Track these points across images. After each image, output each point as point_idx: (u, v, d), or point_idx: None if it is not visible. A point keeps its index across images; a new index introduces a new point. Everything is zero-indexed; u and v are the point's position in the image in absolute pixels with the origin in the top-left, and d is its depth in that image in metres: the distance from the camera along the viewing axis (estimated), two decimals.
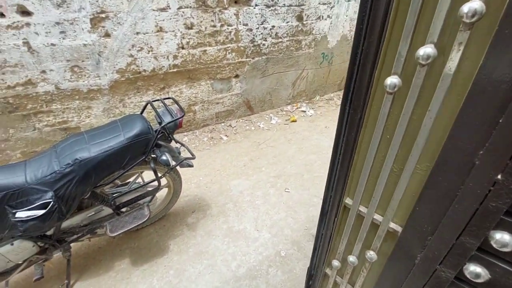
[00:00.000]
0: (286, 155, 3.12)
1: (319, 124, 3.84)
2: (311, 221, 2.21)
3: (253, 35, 3.31)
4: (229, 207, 2.36)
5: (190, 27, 2.85)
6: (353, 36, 3.75)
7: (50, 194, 1.39)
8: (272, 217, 2.25)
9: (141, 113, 1.79)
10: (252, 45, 3.35)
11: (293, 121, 3.85)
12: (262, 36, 3.39)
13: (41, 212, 1.39)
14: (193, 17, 2.82)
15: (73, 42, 2.37)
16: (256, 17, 3.22)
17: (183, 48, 2.90)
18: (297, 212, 2.30)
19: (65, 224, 1.66)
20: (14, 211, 1.38)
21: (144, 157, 1.62)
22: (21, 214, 1.38)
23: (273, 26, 3.41)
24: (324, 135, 3.56)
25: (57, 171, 1.39)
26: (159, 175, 1.78)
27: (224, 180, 2.70)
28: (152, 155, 1.70)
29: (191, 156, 1.93)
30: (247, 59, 3.41)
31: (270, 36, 3.45)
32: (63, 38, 2.33)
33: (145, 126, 1.58)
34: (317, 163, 2.99)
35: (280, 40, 3.56)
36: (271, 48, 3.54)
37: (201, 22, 2.89)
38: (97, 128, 1.60)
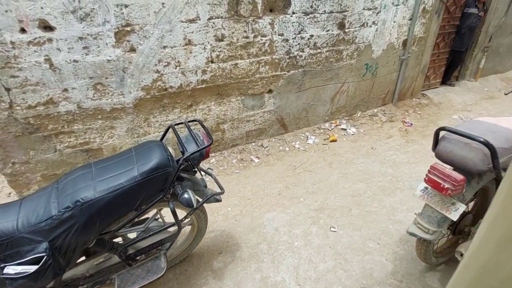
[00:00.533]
0: (327, 182, 2.67)
1: (364, 145, 3.34)
2: (369, 276, 1.73)
3: (289, 46, 2.97)
4: (263, 248, 1.95)
5: (220, 39, 2.58)
6: (400, 45, 3.26)
7: (44, 246, 1.10)
8: (316, 267, 1.80)
9: (162, 139, 1.48)
10: (287, 57, 3.01)
11: (332, 140, 3.39)
12: (299, 47, 3.04)
13: (33, 268, 1.09)
14: (224, 28, 2.56)
15: (97, 58, 2.19)
16: (293, 26, 2.89)
17: (212, 62, 2.64)
18: (349, 262, 1.83)
19: (68, 274, 1.36)
20: (2, 265, 1.10)
21: (162, 196, 1.29)
22: (10, 269, 1.10)
23: (312, 36, 3.06)
24: (371, 158, 3.05)
25: (54, 217, 1.10)
26: (182, 215, 1.44)
27: (256, 212, 2.31)
28: (173, 190, 1.37)
29: (219, 190, 1.58)
30: (282, 73, 3.07)
31: (308, 46, 3.09)
32: (86, 54, 2.16)
33: (164, 158, 1.26)
34: (366, 194, 2.49)
35: (319, 50, 3.19)
36: (309, 60, 3.17)
37: (232, 33, 2.61)
38: (108, 159, 1.31)
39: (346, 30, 3.26)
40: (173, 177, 1.28)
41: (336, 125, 3.71)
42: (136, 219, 1.53)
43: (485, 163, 1.25)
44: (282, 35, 2.87)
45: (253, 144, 3.27)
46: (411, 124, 3.82)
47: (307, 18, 2.94)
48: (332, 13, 3.06)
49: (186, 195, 1.29)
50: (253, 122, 3.18)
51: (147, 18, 2.25)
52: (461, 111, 4.28)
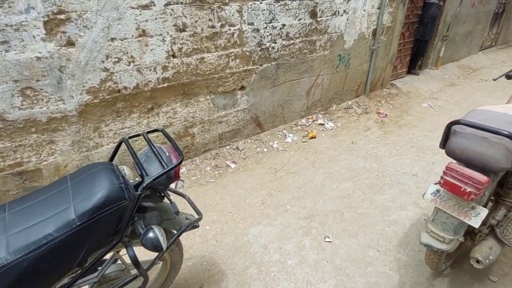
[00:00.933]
0: (313, 184, 2.45)
1: (344, 140, 3.19)
2: None
3: (261, 37, 2.68)
4: (252, 274, 1.66)
5: (182, 29, 2.21)
6: (370, 34, 3.15)
7: None
8: None
9: (111, 158, 1.11)
10: (259, 49, 2.72)
11: (312, 137, 3.19)
12: (271, 38, 2.76)
13: None
14: (185, 16, 2.18)
15: (21, 55, 1.70)
16: (263, 14, 2.60)
17: (174, 56, 2.25)
18: (351, 277, 1.61)
19: None
20: None
21: (116, 241, 0.93)
22: None
23: (284, 25, 2.80)
24: (353, 154, 2.90)
25: None
26: (149, 256, 1.09)
27: (239, 227, 2.00)
28: (132, 227, 1.01)
29: (196, 216, 1.26)
30: (254, 67, 2.78)
31: (280, 37, 2.83)
32: (6, 51, 1.66)
33: (114, 188, 0.90)
34: (356, 193, 2.31)
35: (292, 41, 2.94)
36: (282, 52, 2.92)
37: (196, 22, 2.25)
38: (30, 197, 0.91)
39: (318, 19, 3.06)
40: (130, 212, 0.92)
41: (313, 121, 3.52)
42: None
43: (509, 159, 1.09)
44: (252, 24, 2.56)
45: (228, 147, 2.94)
46: (386, 115, 3.77)
47: (278, 6, 2.67)
48: (304, 0, 2.82)
49: (151, 234, 0.95)
50: (226, 123, 2.85)
51: (86, 4, 1.80)
52: (429, 99, 4.36)
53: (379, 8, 3.65)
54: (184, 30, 2.22)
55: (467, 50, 6.19)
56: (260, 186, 2.44)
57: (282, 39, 2.86)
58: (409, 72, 5.16)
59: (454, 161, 1.24)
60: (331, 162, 2.76)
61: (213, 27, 2.35)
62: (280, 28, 2.79)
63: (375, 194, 2.30)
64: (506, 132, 1.04)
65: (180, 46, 2.25)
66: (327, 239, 1.87)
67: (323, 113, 3.74)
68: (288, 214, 2.11)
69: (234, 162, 2.76)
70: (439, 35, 5.01)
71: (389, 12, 3.84)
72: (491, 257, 1.32)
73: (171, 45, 2.20)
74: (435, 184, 1.34)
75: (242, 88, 2.80)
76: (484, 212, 1.14)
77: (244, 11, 2.47)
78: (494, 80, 1.83)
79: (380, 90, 4.48)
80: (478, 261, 1.32)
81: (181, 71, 2.33)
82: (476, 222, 1.15)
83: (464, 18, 5.41)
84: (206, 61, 2.43)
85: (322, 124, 3.48)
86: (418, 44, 4.84)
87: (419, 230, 1.93)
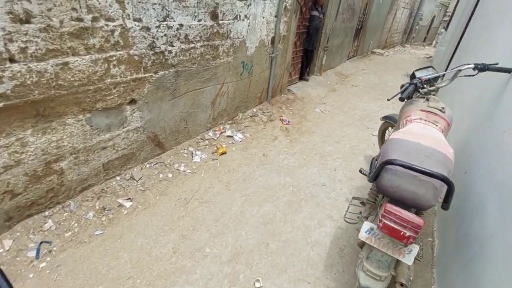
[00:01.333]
0: (232, 213, 2.16)
1: (255, 152, 3.04)
2: None
3: (153, 38, 2.13)
4: None
5: (24, 19, 1.43)
6: (270, 42, 3.09)
7: None
8: None
9: None
10: (152, 52, 2.17)
11: (222, 153, 2.89)
12: (167, 39, 2.25)
13: None
14: (29, 0, 1.42)
15: None
16: (154, 9, 2.06)
17: (12, 60, 1.45)
18: None
19: None
20: None
21: None
22: None
23: (181, 25, 2.33)
24: (267, 168, 2.78)
25: None
26: None
27: None
28: None
29: None
30: (147, 74, 2.21)
31: (178, 39, 2.36)
32: None
33: None
34: (277, 216, 2.17)
35: (192, 45, 2.51)
36: (181, 57, 2.45)
37: (48, 10, 1.51)
38: None
39: (220, 22, 2.74)
40: None
41: (221, 133, 3.23)
42: None
43: (436, 197, 1.11)
44: (139, 20, 1.99)
45: (118, 178, 2.26)
46: (289, 122, 3.89)
47: (173, 1, 2.18)
48: None
49: None
50: (112, 148, 2.16)
51: None
52: (319, 104, 4.81)
53: (276, 16, 3.67)
54: (28, 22, 1.45)
55: (340, 59, 7.31)
56: (168, 228, 1.95)
57: (181, 42, 2.39)
58: (300, 78, 5.59)
59: (371, 186, 1.20)
60: (247, 181, 2.55)
61: (80, 19, 1.65)
62: (178, 29, 2.31)
63: (294, 214, 2.22)
64: (438, 175, 1.04)
65: (24, 45, 1.47)
66: (257, 284, 1.62)
67: (230, 123, 3.49)
68: (209, 261, 1.75)
69: (129, 198, 2.13)
70: (322, 45, 5.64)
71: (285, 22, 3.94)
72: (411, 278, 1.38)
73: (6, 43, 1.40)
74: (366, 219, 1.29)
75: (133, 101, 2.18)
76: (416, 249, 1.14)
77: (127, 3, 1.87)
78: (388, 100, 2.03)
79: (279, 96, 4.63)
80: (402, 285, 1.35)
81: (29, 82, 1.54)
82: (409, 260, 1.14)
83: (338, 32, 6.30)
84: (72, 68, 1.71)
85: (231, 136, 3.23)
86: (306, 53, 5.28)
87: (338, 247, 1.96)
